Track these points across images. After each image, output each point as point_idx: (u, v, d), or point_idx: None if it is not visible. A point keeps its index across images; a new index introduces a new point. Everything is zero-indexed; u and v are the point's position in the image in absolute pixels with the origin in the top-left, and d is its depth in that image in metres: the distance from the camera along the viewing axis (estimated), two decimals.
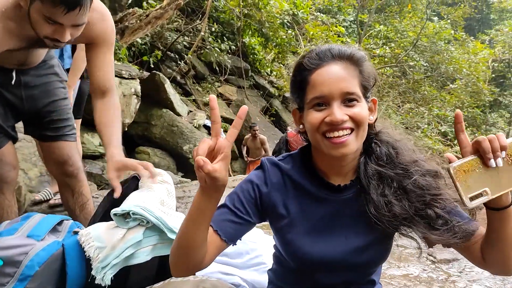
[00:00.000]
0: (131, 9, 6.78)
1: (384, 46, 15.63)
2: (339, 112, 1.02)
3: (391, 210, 1.04)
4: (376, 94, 1.16)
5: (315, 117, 1.04)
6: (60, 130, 2.11)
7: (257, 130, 8.15)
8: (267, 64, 12.84)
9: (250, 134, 8.31)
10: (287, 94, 12.40)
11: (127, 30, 6.71)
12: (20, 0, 1.61)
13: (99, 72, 1.93)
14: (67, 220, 1.65)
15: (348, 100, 1.03)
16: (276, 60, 13.44)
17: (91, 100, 1.98)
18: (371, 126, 1.13)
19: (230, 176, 8.72)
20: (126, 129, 6.51)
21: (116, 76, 6.10)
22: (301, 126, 1.14)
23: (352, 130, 1.04)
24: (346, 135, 1.03)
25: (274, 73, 13.23)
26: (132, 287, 1.50)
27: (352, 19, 18.35)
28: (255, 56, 12.30)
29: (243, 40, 11.70)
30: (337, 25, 16.02)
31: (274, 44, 12.48)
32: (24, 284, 1.32)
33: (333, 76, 1.03)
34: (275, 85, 12.63)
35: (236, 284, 1.64)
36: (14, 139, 2.07)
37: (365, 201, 1.08)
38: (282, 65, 13.67)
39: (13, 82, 1.93)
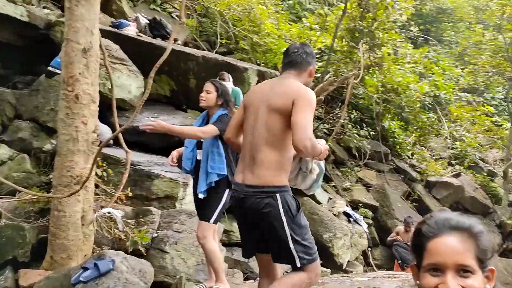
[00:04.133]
0: None
1: None
2: (452, 282, 1.08)
3: None
4: None
5: (430, 282, 1.11)
6: None
7: (412, 226, 7.83)
8: (408, 148, 12.49)
9: (403, 227, 7.99)
10: (431, 179, 11.77)
11: None
12: None
13: None
14: None
15: (463, 271, 1.09)
16: (417, 143, 13.01)
17: None
18: None
19: (373, 268, 8.40)
20: None
21: None
22: (417, 282, 1.20)
23: None
24: None
25: (416, 156, 12.76)
26: None
27: (502, 96, 17.07)
28: (395, 139, 12.10)
29: (383, 124, 11.69)
30: (485, 104, 15.06)
31: (415, 127, 12.18)
32: None
33: (449, 248, 1.11)
34: (417, 169, 12.12)
35: None
36: None
37: None
38: (424, 148, 13.15)
39: None
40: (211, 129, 3.39)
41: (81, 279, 3.26)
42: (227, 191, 3.45)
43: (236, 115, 2.72)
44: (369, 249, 8.94)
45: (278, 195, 2.34)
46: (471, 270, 1.09)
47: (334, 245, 7.29)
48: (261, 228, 2.42)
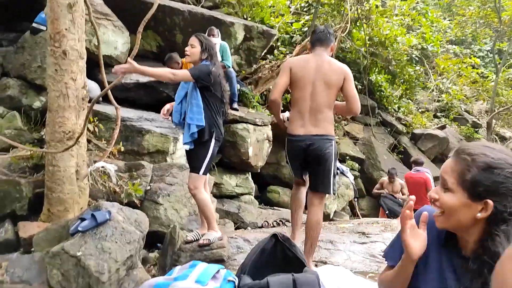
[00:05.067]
0: (263, 61, 7.44)
1: None
2: (433, 190, 1.29)
3: None
4: None
5: None
6: None
7: (396, 177, 8.21)
8: (394, 101, 12.65)
9: (387, 178, 8.31)
10: (416, 131, 12.02)
11: (261, 81, 7.38)
12: None
13: None
14: (222, 269, 2.06)
15: (443, 186, 1.25)
16: (404, 96, 13.16)
17: None
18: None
19: (358, 216, 8.76)
20: (259, 170, 7.08)
21: (250, 123, 6.74)
22: None
23: (443, 212, 1.24)
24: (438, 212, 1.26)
25: (402, 109, 12.94)
26: None
27: (489, 48, 17.12)
28: (382, 93, 12.23)
29: (370, 77, 11.76)
30: (472, 56, 15.11)
31: (402, 80, 12.27)
32: None
33: (446, 164, 1.27)
34: (403, 122, 12.34)
35: None
36: None
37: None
38: (410, 101, 13.31)
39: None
40: (183, 72, 3.45)
41: (79, 228, 3.40)
42: (213, 142, 3.54)
43: (282, 80, 3.37)
44: (356, 199, 9.28)
45: (333, 141, 3.36)
46: (449, 187, 1.22)
47: None
48: (319, 163, 3.31)
